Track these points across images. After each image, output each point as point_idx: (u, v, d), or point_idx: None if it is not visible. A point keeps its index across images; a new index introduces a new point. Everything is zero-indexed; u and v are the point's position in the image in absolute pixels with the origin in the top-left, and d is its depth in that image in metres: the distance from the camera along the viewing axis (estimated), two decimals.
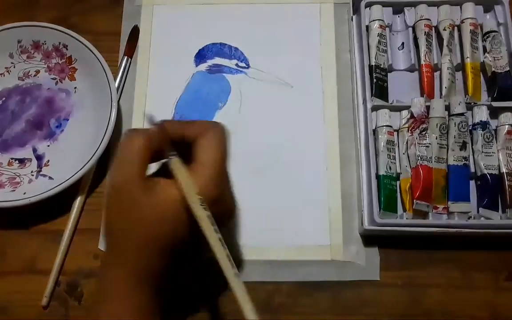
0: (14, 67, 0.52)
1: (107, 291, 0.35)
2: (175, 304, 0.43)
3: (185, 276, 0.44)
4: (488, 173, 0.45)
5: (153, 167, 0.37)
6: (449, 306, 0.44)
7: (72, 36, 0.50)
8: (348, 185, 0.48)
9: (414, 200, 0.44)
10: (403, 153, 0.46)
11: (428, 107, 0.47)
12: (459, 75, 0.50)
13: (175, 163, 0.34)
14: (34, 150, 0.49)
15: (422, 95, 0.49)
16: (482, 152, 0.45)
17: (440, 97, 0.48)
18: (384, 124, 0.46)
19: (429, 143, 0.45)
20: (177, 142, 0.36)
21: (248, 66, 0.52)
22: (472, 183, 0.46)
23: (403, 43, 0.51)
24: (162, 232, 0.34)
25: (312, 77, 0.51)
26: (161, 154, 0.35)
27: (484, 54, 0.49)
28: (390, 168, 0.45)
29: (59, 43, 0.51)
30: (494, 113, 0.47)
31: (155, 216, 0.33)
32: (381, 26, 0.50)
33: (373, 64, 0.49)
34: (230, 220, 0.40)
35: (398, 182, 0.46)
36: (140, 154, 0.34)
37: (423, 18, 0.50)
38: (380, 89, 0.48)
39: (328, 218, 0.47)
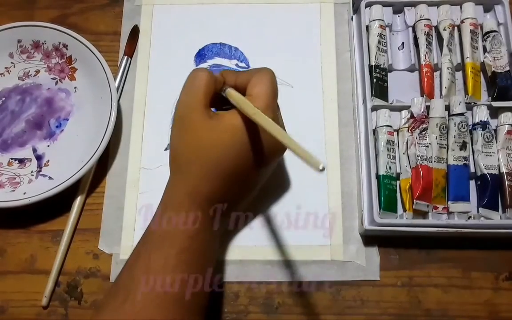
0: (14, 67, 0.52)
1: (170, 203, 0.37)
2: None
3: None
4: (488, 173, 0.45)
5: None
6: (449, 306, 0.44)
7: (72, 36, 0.50)
8: (348, 185, 0.48)
9: (414, 200, 0.44)
10: (403, 153, 0.46)
11: (428, 107, 0.47)
12: (459, 75, 0.50)
13: (230, 91, 0.38)
14: (34, 150, 0.49)
15: (422, 95, 0.49)
16: (482, 152, 0.45)
17: (440, 97, 0.48)
18: (384, 124, 0.46)
19: (429, 143, 0.45)
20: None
21: (248, 66, 0.52)
22: (472, 183, 0.46)
23: (403, 43, 0.51)
24: (222, 156, 0.36)
25: (312, 77, 0.51)
26: (219, 99, 0.39)
27: (484, 54, 0.49)
28: (390, 168, 0.45)
29: (59, 43, 0.51)
30: (494, 113, 0.47)
31: (216, 140, 0.36)
32: (381, 26, 0.50)
33: (373, 64, 0.49)
34: (281, 153, 0.41)
35: (398, 182, 0.46)
36: (204, 86, 0.37)
37: (423, 18, 0.50)
38: (380, 89, 0.48)
39: (328, 218, 0.47)
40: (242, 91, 0.39)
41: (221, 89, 0.39)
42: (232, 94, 0.38)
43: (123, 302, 0.33)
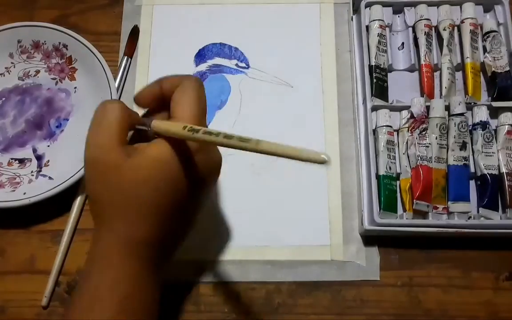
0: (14, 67, 0.52)
1: (97, 259, 0.33)
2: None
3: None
4: (488, 173, 0.45)
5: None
6: (449, 306, 0.44)
7: (72, 36, 0.50)
8: (348, 185, 0.48)
9: (414, 200, 0.44)
10: (403, 153, 0.46)
11: (428, 107, 0.47)
12: (459, 75, 0.50)
13: (157, 123, 0.33)
14: (34, 150, 0.49)
15: (422, 95, 0.49)
16: (482, 152, 0.45)
17: (440, 97, 0.48)
18: (384, 124, 0.46)
19: (429, 143, 0.45)
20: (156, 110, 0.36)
21: (248, 66, 0.52)
22: (472, 183, 0.46)
23: (403, 43, 0.51)
24: (146, 194, 0.32)
25: (312, 77, 0.51)
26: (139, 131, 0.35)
27: (484, 54, 0.49)
28: (390, 168, 0.45)
29: (59, 43, 0.51)
30: (494, 113, 0.47)
31: (141, 178, 0.31)
32: (381, 26, 0.50)
33: (373, 64, 0.49)
34: (218, 174, 0.36)
35: (398, 182, 0.46)
36: (117, 119, 0.32)
37: (423, 18, 0.50)
38: (380, 89, 0.48)
39: (328, 218, 0.47)
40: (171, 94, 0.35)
41: (139, 124, 0.34)
42: (162, 125, 0.33)
43: None
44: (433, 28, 0.50)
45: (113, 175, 0.32)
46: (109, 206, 0.32)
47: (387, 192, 0.45)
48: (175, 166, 0.32)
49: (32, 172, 0.48)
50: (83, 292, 0.32)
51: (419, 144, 0.45)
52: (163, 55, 0.53)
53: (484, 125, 0.46)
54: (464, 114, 0.46)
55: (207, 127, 0.33)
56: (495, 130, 0.47)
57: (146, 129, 0.34)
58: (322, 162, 0.24)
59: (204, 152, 0.34)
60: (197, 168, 0.33)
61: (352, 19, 0.52)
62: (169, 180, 0.32)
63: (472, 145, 0.46)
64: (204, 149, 0.34)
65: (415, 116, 0.46)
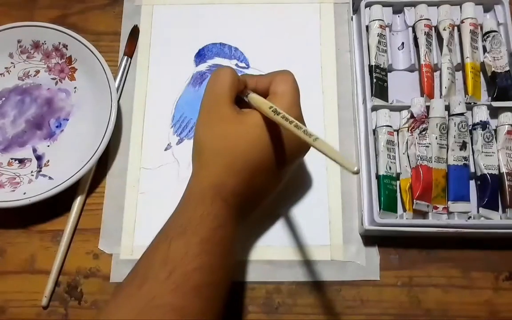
0: (14, 67, 0.52)
1: (193, 196, 0.37)
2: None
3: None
4: (488, 173, 0.45)
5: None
6: (449, 306, 0.44)
7: (72, 36, 0.50)
8: (348, 185, 0.48)
9: (414, 200, 0.44)
10: (403, 153, 0.46)
11: (428, 107, 0.47)
12: (459, 75, 0.50)
13: (253, 96, 0.39)
14: (34, 150, 0.49)
15: (422, 95, 0.49)
16: (482, 152, 0.45)
17: (440, 97, 0.48)
18: (384, 124, 0.46)
19: (429, 143, 0.45)
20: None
21: (248, 66, 0.52)
22: (472, 183, 0.46)
23: (403, 43, 0.52)
24: (249, 149, 0.37)
25: (312, 77, 0.51)
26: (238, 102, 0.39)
27: (484, 54, 0.49)
28: (390, 168, 0.45)
29: (59, 43, 0.51)
30: (494, 113, 0.47)
31: (244, 134, 0.37)
32: (381, 26, 0.50)
33: (373, 64, 0.49)
34: (300, 156, 0.41)
35: (398, 182, 0.46)
36: (229, 81, 0.38)
37: (423, 18, 0.50)
38: (380, 89, 0.48)
39: (328, 218, 0.47)
40: (262, 93, 0.39)
41: (242, 93, 0.40)
42: (255, 99, 0.38)
43: (139, 288, 0.33)
44: (433, 28, 0.50)
45: (221, 123, 0.37)
46: (212, 150, 0.37)
47: (387, 192, 0.45)
48: (267, 135, 0.37)
49: (32, 172, 0.48)
50: (175, 220, 0.36)
51: (419, 144, 0.45)
52: (163, 55, 0.53)
53: (484, 125, 0.46)
54: (464, 114, 0.46)
55: (301, 114, 0.39)
56: (495, 130, 0.47)
57: (243, 98, 0.39)
58: (352, 172, 0.29)
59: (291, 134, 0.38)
60: (283, 145, 0.38)
61: (352, 19, 0.52)
62: (262, 143, 0.37)
63: (472, 145, 0.46)
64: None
65: (415, 116, 0.46)
